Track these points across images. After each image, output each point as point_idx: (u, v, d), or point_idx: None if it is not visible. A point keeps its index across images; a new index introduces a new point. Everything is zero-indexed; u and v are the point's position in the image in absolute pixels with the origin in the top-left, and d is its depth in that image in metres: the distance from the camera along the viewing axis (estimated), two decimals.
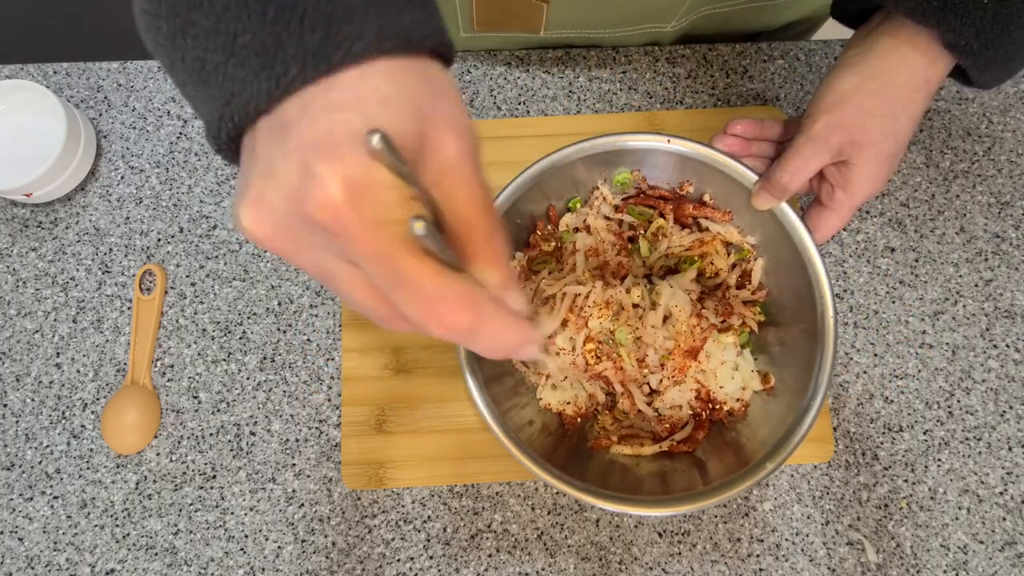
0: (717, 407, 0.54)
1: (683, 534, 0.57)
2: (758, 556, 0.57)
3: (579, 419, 0.55)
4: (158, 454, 0.58)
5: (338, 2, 0.24)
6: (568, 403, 0.55)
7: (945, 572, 0.56)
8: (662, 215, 0.57)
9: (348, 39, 0.24)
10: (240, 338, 0.61)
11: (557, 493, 0.58)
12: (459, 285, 0.25)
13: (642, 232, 0.57)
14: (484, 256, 0.27)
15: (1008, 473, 0.58)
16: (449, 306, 0.25)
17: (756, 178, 0.51)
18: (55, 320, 0.61)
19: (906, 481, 0.58)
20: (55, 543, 0.57)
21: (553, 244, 0.57)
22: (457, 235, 0.26)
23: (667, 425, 0.54)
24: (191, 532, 0.57)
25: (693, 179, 0.55)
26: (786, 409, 0.50)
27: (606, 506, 0.47)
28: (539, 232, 0.57)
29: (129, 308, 0.61)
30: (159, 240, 0.62)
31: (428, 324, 0.25)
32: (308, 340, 0.60)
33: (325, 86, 0.24)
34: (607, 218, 0.57)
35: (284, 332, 0.61)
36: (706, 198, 0.56)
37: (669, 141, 0.52)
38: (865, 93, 0.45)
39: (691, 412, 0.54)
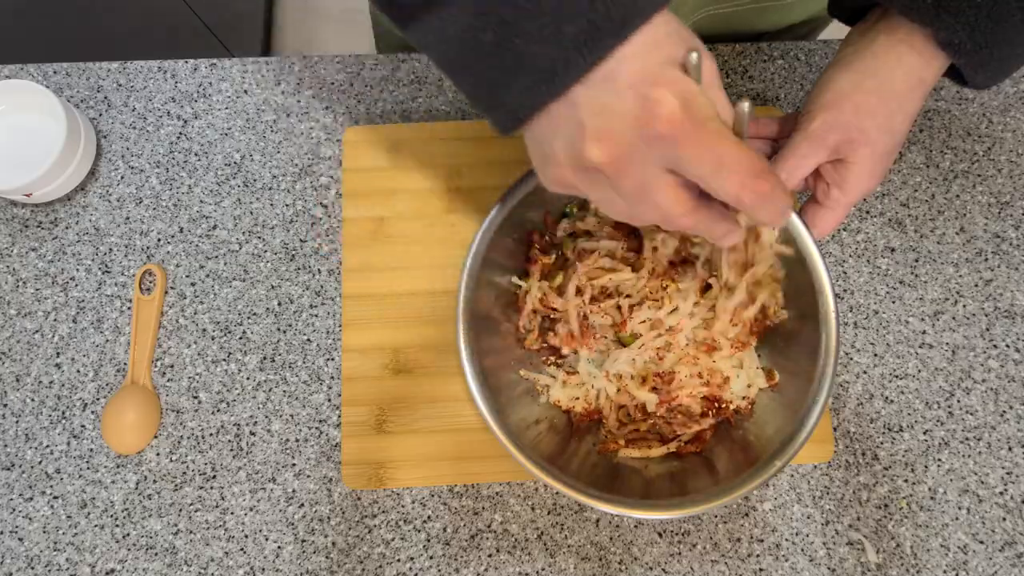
0: (724, 405, 0.54)
1: (683, 534, 0.57)
2: (758, 556, 0.57)
3: (588, 418, 0.55)
4: (158, 454, 0.58)
5: None
6: (577, 399, 0.55)
7: (945, 572, 0.56)
8: None
9: (642, 8, 0.31)
10: (240, 338, 0.61)
11: (557, 493, 0.58)
12: (762, 161, 0.32)
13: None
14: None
15: (1008, 473, 0.58)
16: (760, 177, 0.32)
17: None
18: (55, 320, 0.61)
19: (906, 481, 0.58)
20: (55, 543, 0.57)
21: (554, 255, 0.57)
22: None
23: (674, 417, 0.54)
24: (191, 532, 0.57)
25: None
26: (792, 406, 0.50)
27: (606, 508, 0.47)
28: (537, 246, 0.57)
29: (129, 308, 0.61)
30: (159, 240, 0.62)
31: (742, 194, 0.32)
32: (308, 340, 0.60)
33: (626, 45, 0.31)
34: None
35: (284, 332, 0.61)
36: None
37: None
38: (862, 92, 0.45)
39: (699, 412, 0.54)
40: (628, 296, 0.54)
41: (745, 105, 0.33)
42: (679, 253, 0.54)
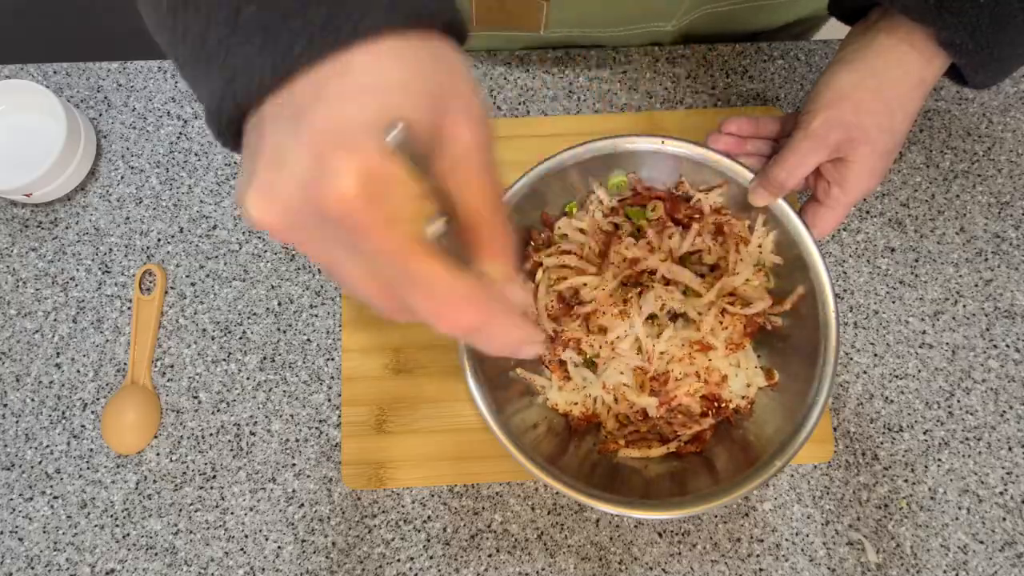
0: (723, 405, 0.54)
1: (683, 534, 0.57)
2: (758, 556, 0.57)
3: (586, 421, 0.55)
4: (158, 454, 0.58)
5: None
6: (576, 404, 0.55)
7: (945, 572, 0.56)
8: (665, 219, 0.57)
9: (356, 11, 0.23)
10: (240, 338, 0.61)
11: (557, 493, 0.58)
12: (468, 285, 0.25)
13: (645, 219, 0.56)
14: (491, 248, 0.26)
15: (1008, 473, 0.58)
16: (457, 306, 0.25)
17: (752, 176, 0.51)
18: (55, 320, 0.61)
19: (906, 481, 0.58)
20: (55, 543, 0.57)
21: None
22: (465, 225, 0.26)
23: (674, 417, 0.54)
24: (191, 532, 0.57)
25: (688, 179, 0.55)
26: (791, 405, 0.50)
27: (606, 508, 0.47)
28: (534, 243, 0.57)
29: (129, 308, 0.61)
30: (159, 240, 0.62)
31: (435, 322, 0.25)
32: (308, 340, 0.60)
33: (340, 68, 0.23)
34: (604, 215, 0.57)
35: (284, 332, 0.61)
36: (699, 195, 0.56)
37: (663, 142, 0.52)
38: (863, 91, 0.45)
39: (699, 412, 0.54)
40: (588, 303, 0.53)
41: (395, 131, 0.23)
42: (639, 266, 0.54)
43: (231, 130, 0.26)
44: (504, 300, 0.27)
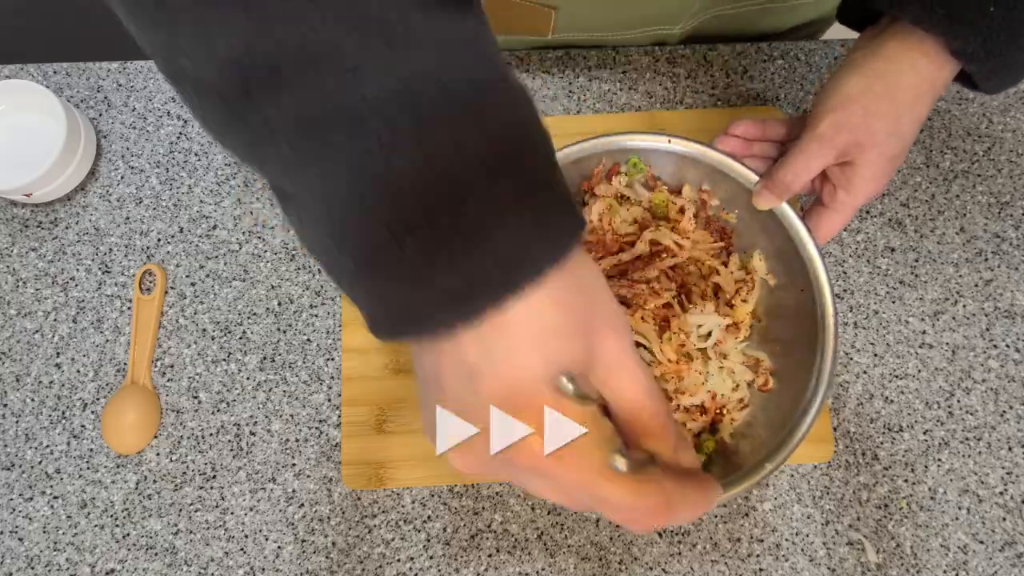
0: (719, 413, 0.54)
1: (683, 534, 0.57)
2: (758, 556, 0.57)
3: None
4: (158, 454, 0.58)
5: (500, 227, 0.24)
6: None
7: (945, 572, 0.56)
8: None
9: (523, 267, 0.25)
10: (240, 338, 0.61)
11: None
12: (651, 496, 0.27)
13: (669, 206, 0.55)
14: (653, 434, 0.29)
15: (1008, 473, 0.58)
16: (644, 516, 0.27)
17: (756, 179, 0.51)
18: (55, 320, 0.61)
19: (906, 481, 0.58)
20: (55, 543, 0.57)
21: None
22: (626, 421, 0.29)
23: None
24: (191, 532, 0.57)
25: (693, 179, 0.55)
26: (786, 410, 0.50)
27: None
28: None
29: (129, 308, 0.61)
30: (159, 240, 0.62)
31: (630, 527, 0.28)
32: (308, 340, 0.60)
33: (499, 324, 0.25)
34: (622, 197, 0.56)
35: (284, 332, 0.61)
36: (703, 195, 0.56)
37: (670, 141, 0.52)
38: (872, 95, 0.45)
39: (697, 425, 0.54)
40: None
41: (564, 382, 0.27)
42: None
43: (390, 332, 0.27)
44: (676, 483, 0.28)
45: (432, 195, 0.24)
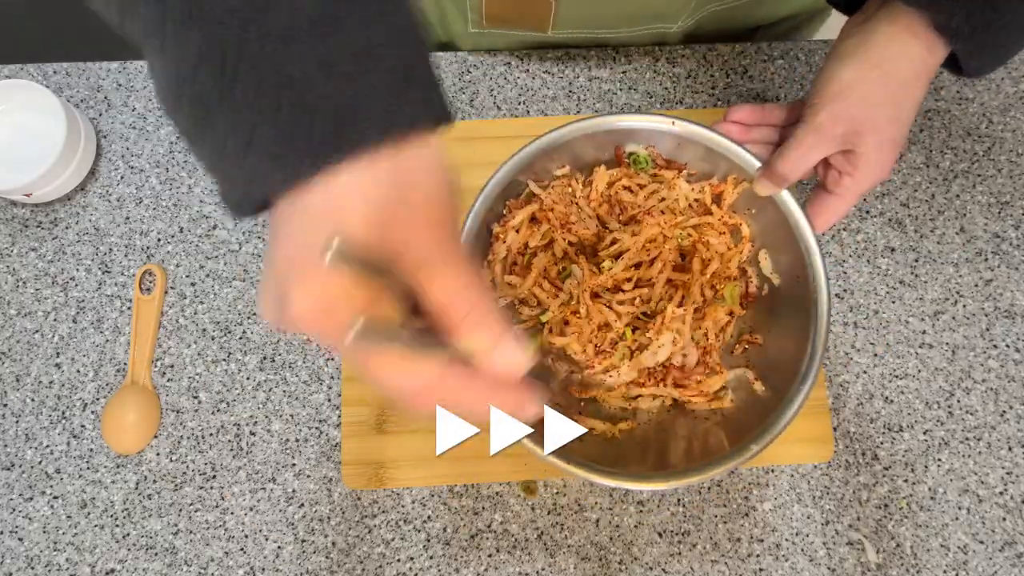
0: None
1: (683, 534, 0.57)
2: (758, 556, 0.57)
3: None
4: (158, 454, 0.58)
5: (345, 94, 0.25)
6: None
7: (945, 572, 0.56)
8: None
9: (354, 135, 0.25)
10: (240, 338, 0.61)
11: (557, 493, 0.58)
12: (418, 376, 0.27)
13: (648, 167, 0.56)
14: (465, 325, 0.27)
15: (1008, 473, 0.58)
16: (419, 393, 0.27)
17: (758, 164, 0.51)
18: (55, 320, 0.61)
19: (906, 481, 0.58)
20: (55, 543, 0.57)
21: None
22: (435, 317, 0.28)
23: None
24: (191, 532, 0.57)
25: (695, 163, 0.56)
26: (776, 394, 0.50)
27: (589, 476, 0.47)
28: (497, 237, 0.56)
29: (129, 308, 0.61)
30: (159, 240, 0.62)
31: (410, 407, 0.27)
32: (308, 340, 0.60)
33: (302, 200, 0.25)
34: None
35: (284, 332, 0.61)
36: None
37: (674, 123, 0.53)
38: (868, 83, 0.46)
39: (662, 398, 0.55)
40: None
41: (330, 253, 0.25)
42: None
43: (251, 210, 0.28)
44: (481, 375, 0.28)
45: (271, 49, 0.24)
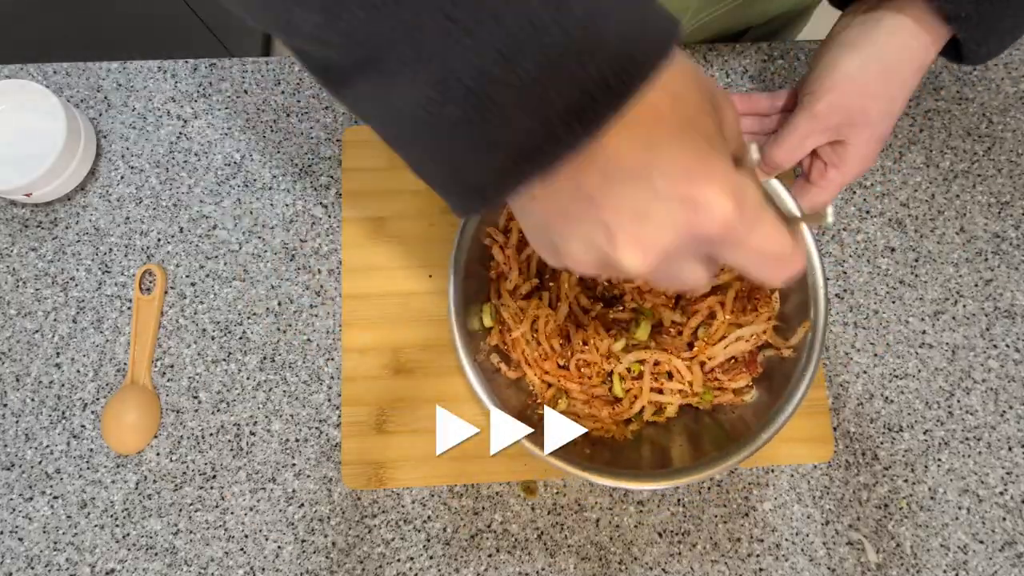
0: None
1: (683, 534, 0.57)
2: (758, 556, 0.57)
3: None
4: (158, 454, 0.58)
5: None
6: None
7: (945, 572, 0.56)
8: None
9: (641, 62, 0.25)
10: (240, 338, 0.61)
11: (557, 493, 0.58)
12: (789, 238, 0.29)
13: None
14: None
15: (1008, 473, 0.58)
16: (791, 262, 0.29)
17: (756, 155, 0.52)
18: (55, 320, 0.61)
19: (906, 481, 0.58)
20: (55, 543, 0.57)
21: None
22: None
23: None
24: (191, 532, 0.57)
25: None
26: (774, 394, 0.50)
27: (588, 477, 0.47)
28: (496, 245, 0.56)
29: (129, 308, 0.61)
30: (159, 240, 0.62)
31: (774, 279, 0.29)
32: (308, 340, 0.60)
33: (632, 122, 0.25)
34: None
35: (284, 332, 0.61)
36: None
37: None
38: (870, 75, 0.45)
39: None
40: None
41: (754, 152, 0.32)
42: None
43: (482, 200, 0.28)
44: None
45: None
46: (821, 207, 0.51)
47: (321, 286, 0.62)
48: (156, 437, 0.59)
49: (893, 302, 0.62)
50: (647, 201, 0.26)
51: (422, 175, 0.29)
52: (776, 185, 0.51)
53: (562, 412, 0.53)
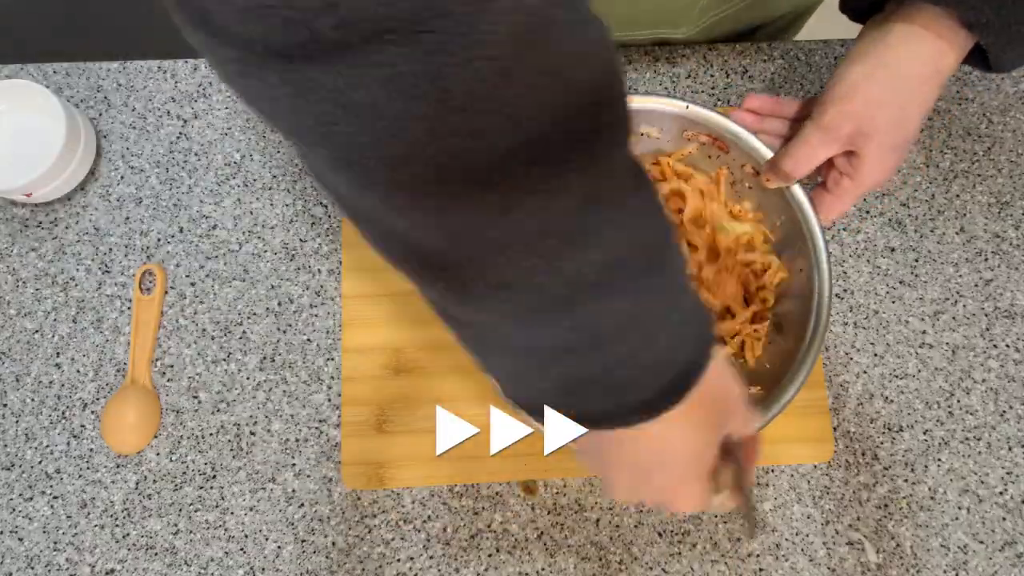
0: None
1: (683, 534, 0.57)
2: (758, 556, 0.57)
3: None
4: (158, 454, 0.58)
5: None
6: None
7: (945, 572, 0.56)
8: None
9: (688, 375, 0.34)
10: (240, 338, 0.61)
11: (557, 493, 0.58)
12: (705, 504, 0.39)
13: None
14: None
15: (1008, 473, 0.58)
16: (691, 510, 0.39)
17: (770, 155, 0.51)
18: (55, 320, 0.61)
19: (906, 481, 0.58)
20: (55, 543, 0.57)
21: None
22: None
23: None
24: (191, 532, 0.57)
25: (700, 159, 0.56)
26: (772, 393, 0.50)
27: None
28: None
29: (129, 308, 0.61)
30: (159, 240, 0.62)
31: (673, 510, 0.39)
32: (308, 340, 0.60)
33: (669, 420, 0.33)
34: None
35: (284, 332, 0.61)
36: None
37: (688, 107, 0.52)
38: (874, 82, 0.45)
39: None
40: None
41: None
42: None
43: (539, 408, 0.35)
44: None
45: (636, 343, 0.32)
46: (838, 216, 0.51)
47: (321, 286, 0.62)
48: (156, 437, 0.59)
49: (893, 302, 0.62)
50: (649, 478, 0.37)
51: (492, 374, 0.37)
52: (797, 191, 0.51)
53: None
